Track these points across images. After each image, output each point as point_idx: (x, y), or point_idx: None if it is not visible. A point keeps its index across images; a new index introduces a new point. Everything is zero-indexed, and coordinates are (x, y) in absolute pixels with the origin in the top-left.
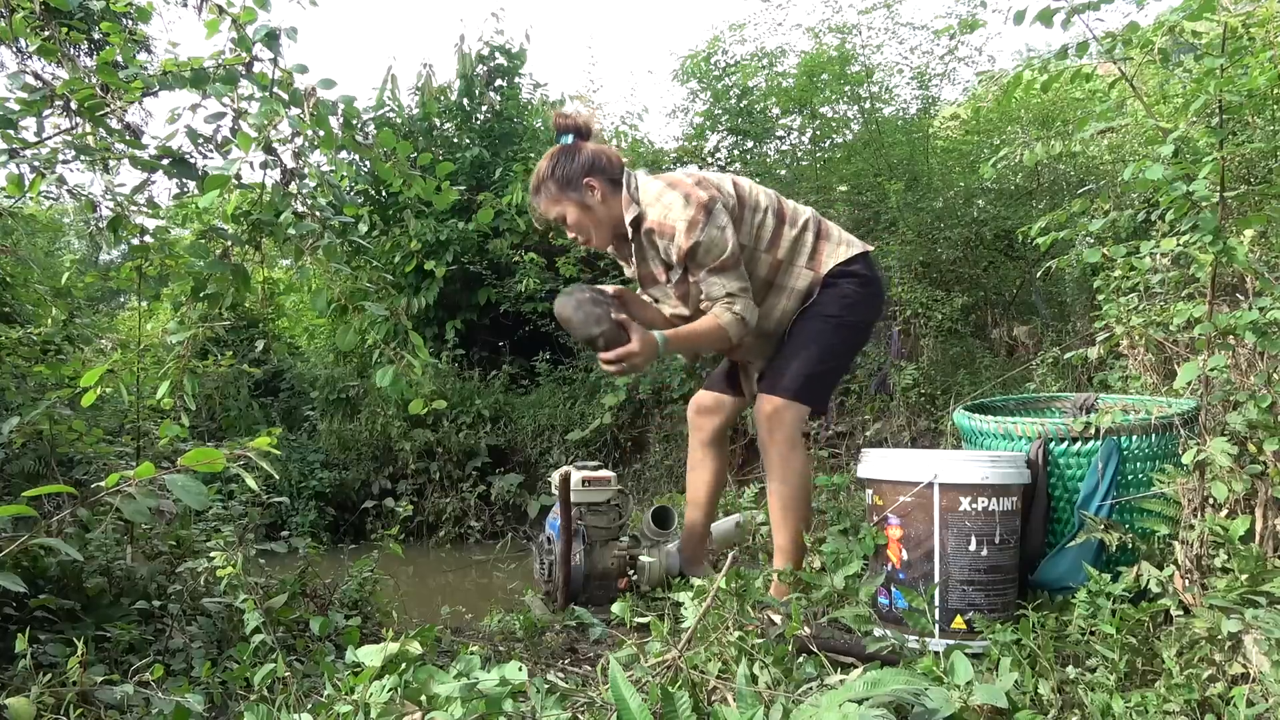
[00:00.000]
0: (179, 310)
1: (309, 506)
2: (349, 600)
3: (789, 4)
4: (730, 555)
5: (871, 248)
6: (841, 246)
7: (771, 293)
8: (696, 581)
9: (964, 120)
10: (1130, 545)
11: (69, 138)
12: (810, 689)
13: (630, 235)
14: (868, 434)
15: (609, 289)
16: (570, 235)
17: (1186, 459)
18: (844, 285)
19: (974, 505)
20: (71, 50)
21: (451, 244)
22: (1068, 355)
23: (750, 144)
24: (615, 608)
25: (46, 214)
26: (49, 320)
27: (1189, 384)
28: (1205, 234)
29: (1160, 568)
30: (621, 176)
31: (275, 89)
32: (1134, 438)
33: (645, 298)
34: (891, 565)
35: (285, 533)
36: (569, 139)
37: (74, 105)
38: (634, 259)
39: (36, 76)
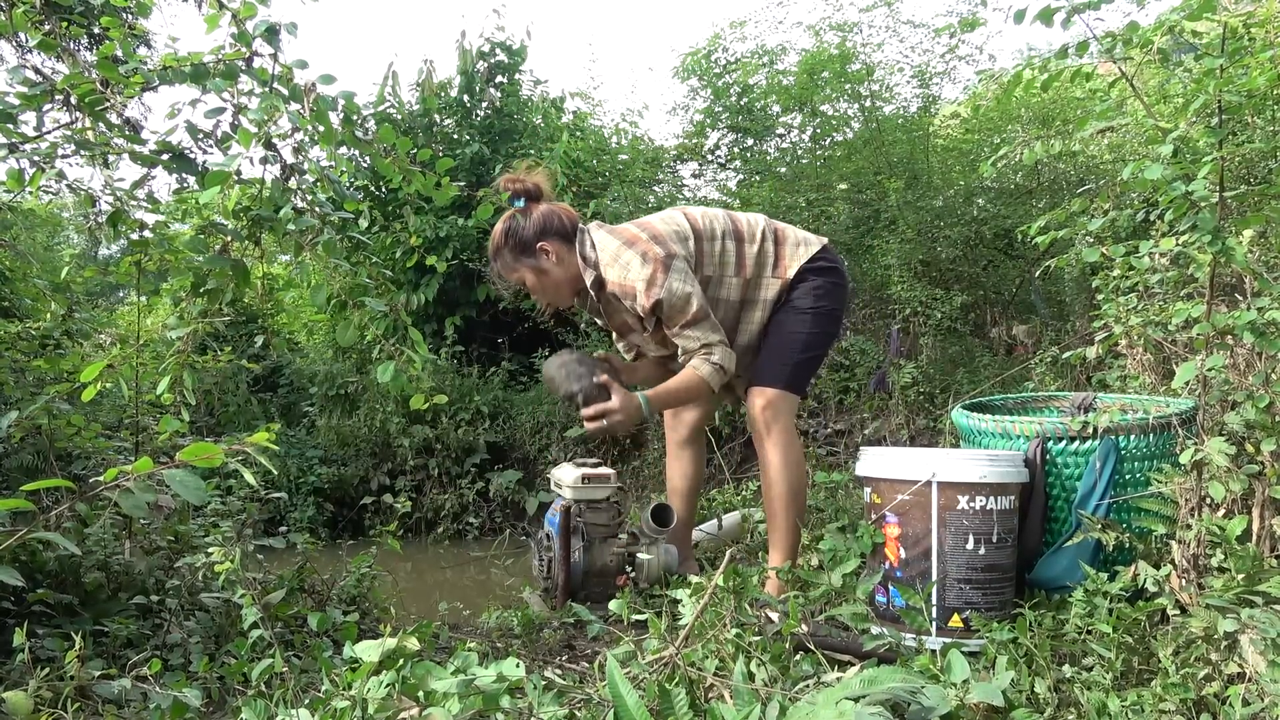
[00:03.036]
0: (178, 305)
1: (307, 502)
2: (347, 596)
3: (790, 2)
4: (728, 553)
5: (826, 239)
6: (801, 247)
7: (746, 308)
8: (694, 579)
9: (964, 119)
10: (1127, 544)
11: (69, 132)
12: (807, 686)
13: (596, 295)
14: (866, 432)
15: (598, 355)
16: (534, 298)
17: (1184, 459)
18: (812, 279)
19: (972, 504)
20: (71, 45)
21: (451, 240)
22: (1066, 354)
23: (750, 142)
24: (613, 605)
25: (46, 209)
26: (48, 315)
27: (1187, 384)
28: (1204, 234)
29: (1157, 567)
30: (574, 235)
31: (275, 84)
32: (1132, 437)
33: (623, 346)
34: (889, 563)
35: (283, 528)
36: (520, 202)
37: (74, 100)
38: (604, 313)
39: (36, 71)
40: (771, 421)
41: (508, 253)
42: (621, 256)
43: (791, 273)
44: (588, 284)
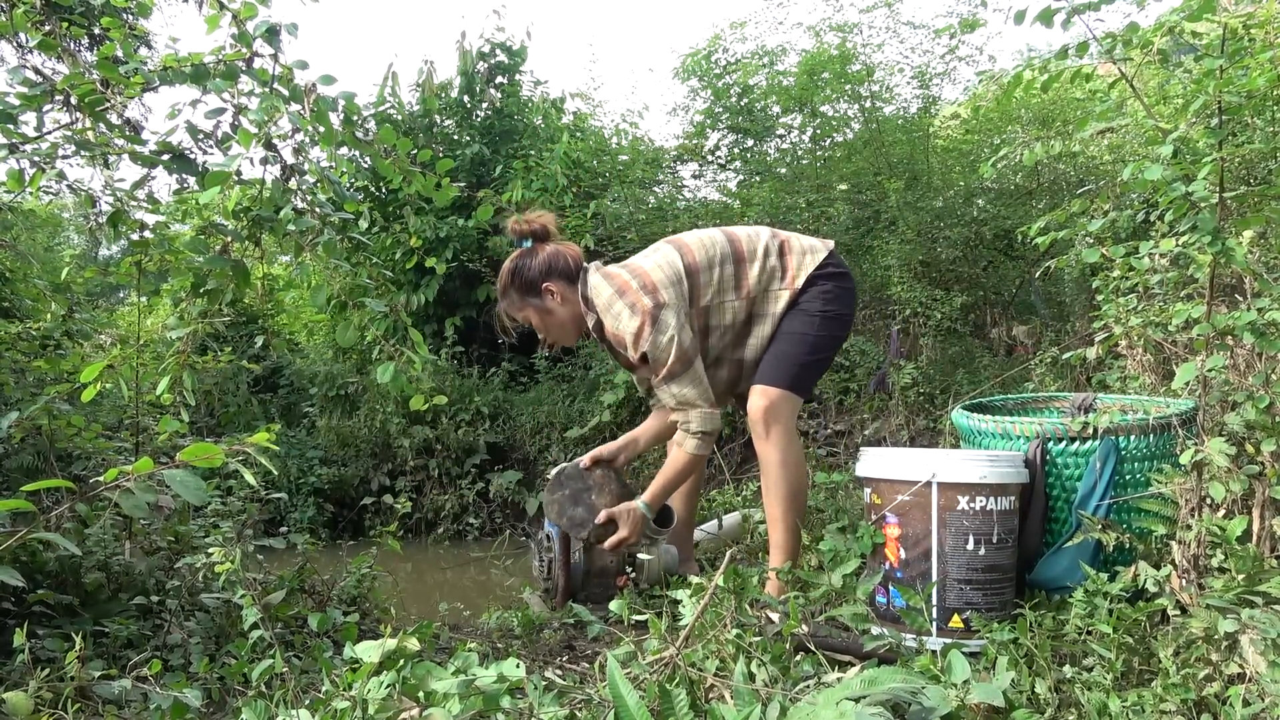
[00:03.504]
0: (178, 306)
1: (307, 503)
2: (347, 596)
3: (790, 2)
4: (728, 553)
5: (833, 243)
6: (808, 255)
7: (753, 323)
8: (695, 579)
9: (964, 120)
10: (1128, 545)
11: (69, 133)
12: (807, 687)
13: (596, 337)
14: (866, 432)
15: (584, 461)
16: (540, 335)
17: (1184, 459)
18: (821, 284)
19: (972, 504)
20: (72, 45)
21: (451, 241)
22: (1066, 355)
23: (750, 142)
24: (613, 605)
25: (46, 209)
26: (48, 315)
27: (1187, 384)
28: (1204, 234)
29: (1157, 567)
30: (578, 275)
31: (275, 85)
32: (1132, 438)
33: (636, 380)
34: (889, 564)
35: (284, 529)
36: (527, 243)
37: (74, 100)
38: (609, 351)
39: (37, 71)
40: (772, 422)
41: (514, 292)
42: (613, 306)
43: (801, 282)
44: (590, 325)
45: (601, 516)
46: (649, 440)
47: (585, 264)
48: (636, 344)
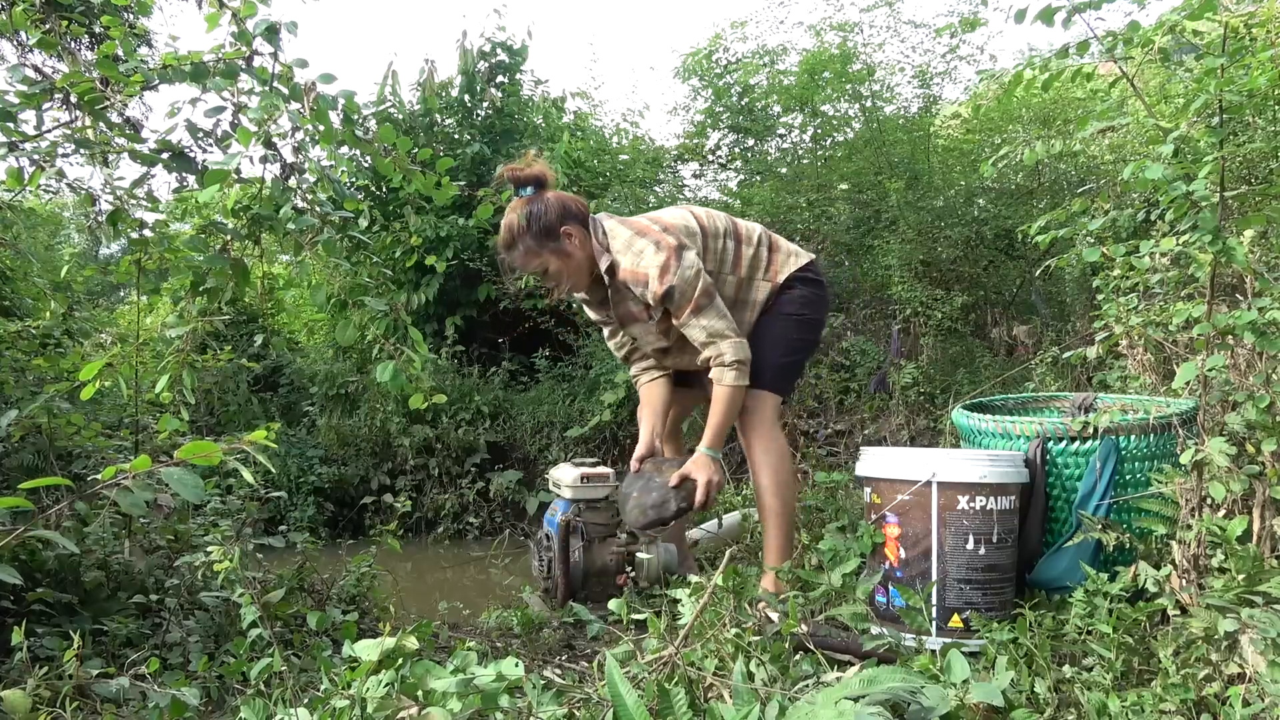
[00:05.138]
0: (178, 305)
1: (307, 502)
2: (347, 595)
3: (791, 2)
4: (727, 553)
5: (815, 255)
6: (792, 257)
7: (737, 308)
8: (694, 578)
9: (965, 119)
10: (1128, 545)
11: (69, 131)
12: (807, 686)
13: (607, 281)
14: (866, 432)
15: (633, 466)
16: (549, 284)
17: (1184, 459)
18: (799, 289)
19: (972, 504)
20: (72, 44)
21: (452, 240)
22: (1067, 355)
23: (751, 142)
24: (613, 605)
25: (46, 208)
26: (48, 314)
27: (1187, 384)
28: (1205, 234)
29: (1157, 567)
30: (588, 221)
31: (275, 83)
32: (1132, 438)
33: (615, 342)
34: (889, 563)
35: (283, 528)
36: (528, 190)
37: (74, 99)
38: (611, 301)
39: (36, 70)
40: (759, 420)
41: (530, 238)
42: (635, 244)
43: (781, 278)
44: (602, 269)
45: (674, 479)
46: (664, 413)
47: (592, 215)
48: (663, 277)
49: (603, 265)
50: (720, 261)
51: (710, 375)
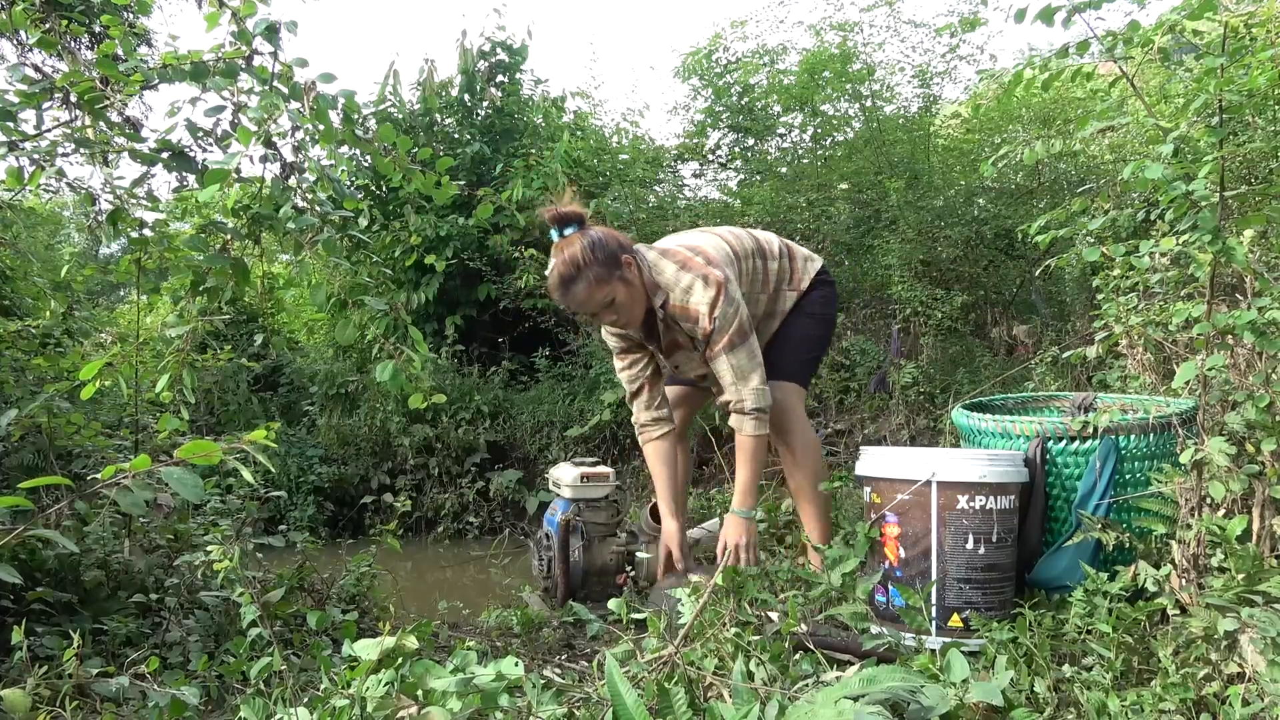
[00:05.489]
0: (178, 304)
1: (307, 501)
2: (346, 595)
3: (791, 1)
4: (728, 552)
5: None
6: (809, 262)
7: (766, 320)
8: (694, 578)
9: (965, 119)
10: (1127, 544)
11: (68, 130)
12: (806, 686)
13: (660, 315)
14: (866, 432)
15: (668, 559)
16: (608, 319)
17: (1184, 458)
18: (820, 290)
19: (972, 504)
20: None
21: (451, 239)
22: (1067, 354)
23: (751, 141)
24: (612, 604)
25: (46, 207)
26: (48, 313)
27: (1187, 384)
28: (1204, 234)
29: (1157, 567)
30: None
31: (275, 83)
32: (1132, 437)
33: (630, 372)
34: (889, 563)
35: (283, 527)
36: (571, 229)
37: (74, 98)
38: (660, 333)
39: (36, 69)
40: (791, 411)
41: (598, 266)
42: (682, 280)
43: (805, 284)
44: (657, 305)
45: (720, 552)
46: (677, 478)
47: (636, 248)
48: (710, 314)
49: (657, 302)
50: (752, 281)
51: (730, 421)
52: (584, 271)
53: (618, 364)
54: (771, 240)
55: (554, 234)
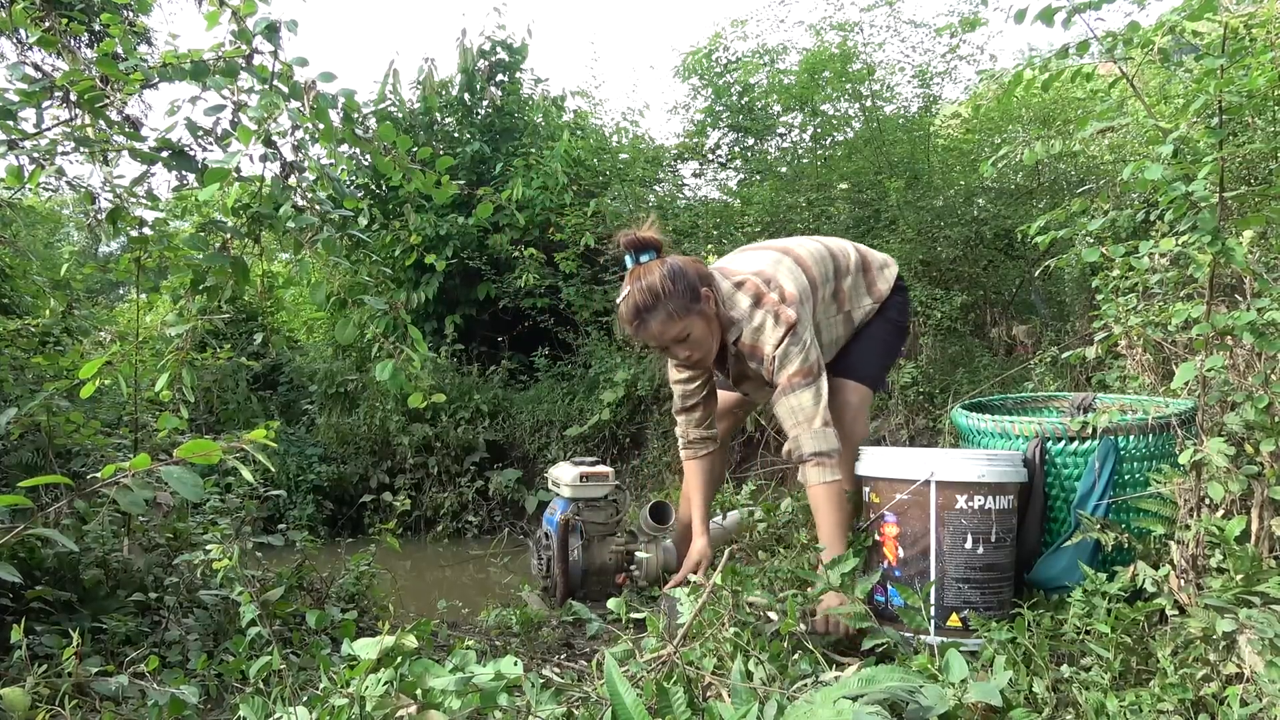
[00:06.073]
0: (178, 303)
1: (307, 500)
2: (346, 594)
3: (791, 1)
4: (726, 552)
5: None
6: (886, 269)
7: (845, 334)
8: (693, 578)
9: (965, 119)
10: (1126, 545)
11: (68, 129)
12: (805, 685)
13: (732, 349)
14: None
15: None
16: (680, 354)
17: (1183, 459)
18: (897, 297)
19: (971, 503)
20: (71, 42)
21: (451, 238)
22: (1066, 355)
23: (751, 141)
24: (611, 603)
25: (45, 205)
26: (47, 311)
27: (1186, 384)
28: (1204, 234)
29: (1156, 567)
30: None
31: (275, 82)
32: (1131, 437)
33: (685, 392)
34: (888, 562)
35: (282, 526)
36: (650, 256)
37: (73, 97)
38: (730, 364)
39: (36, 68)
40: (862, 412)
41: (677, 300)
42: (754, 318)
43: (885, 293)
44: (730, 340)
45: (819, 620)
46: (711, 497)
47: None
48: (776, 352)
49: (730, 337)
50: (826, 309)
51: (805, 478)
52: (661, 303)
53: (673, 375)
54: (848, 254)
55: (629, 259)
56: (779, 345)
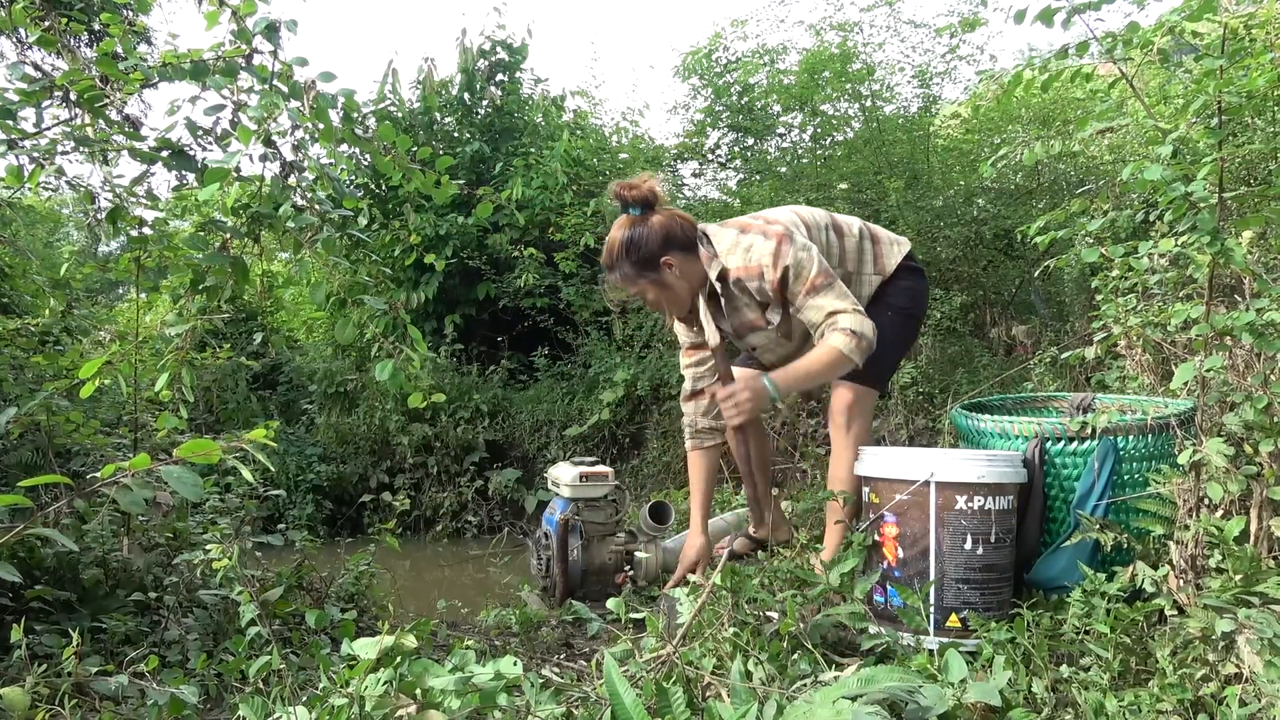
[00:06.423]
0: (178, 302)
1: (306, 500)
2: (345, 594)
3: (791, 1)
4: (725, 551)
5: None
6: (895, 245)
7: None
8: (692, 577)
9: (964, 119)
10: (1125, 545)
11: (68, 129)
12: (804, 685)
13: (720, 290)
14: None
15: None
16: (650, 310)
17: (1182, 459)
18: (904, 280)
19: (970, 504)
20: (71, 41)
21: (451, 238)
22: (1065, 355)
23: (751, 141)
24: (611, 603)
25: (45, 205)
26: (47, 311)
27: (1186, 384)
28: (1203, 235)
29: (1155, 567)
30: (696, 238)
31: (275, 82)
32: (1130, 438)
33: (689, 364)
34: (887, 563)
35: (282, 526)
36: (637, 211)
37: (73, 96)
38: (725, 313)
39: (36, 67)
40: (856, 416)
41: (628, 265)
42: (742, 241)
43: (891, 269)
44: (712, 277)
45: (721, 392)
46: (711, 492)
47: (701, 227)
48: (777, 263)
49: (713, 273)
50: (826, 255)
51: (816, 338)
52: (617, 265)
53: (684, 360)
54: (851, 221)
55: (620, 209)
56: (779, 255)
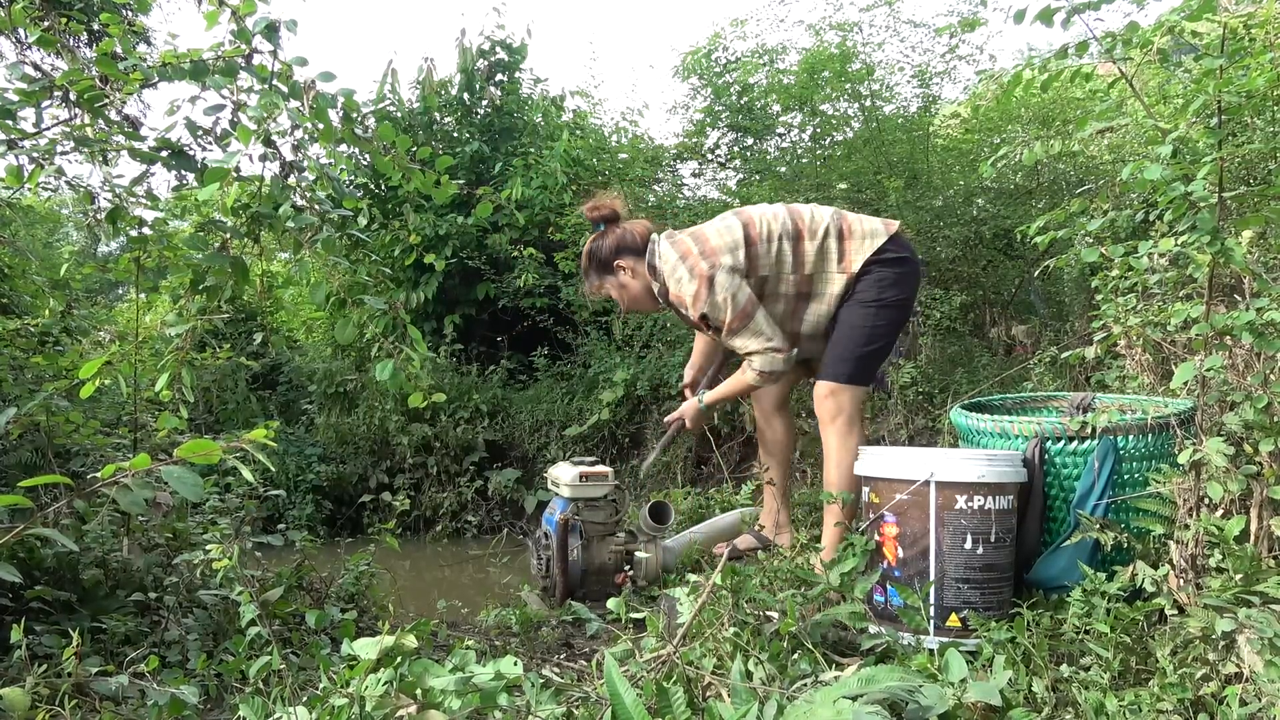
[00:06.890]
0: (177, 302)
1: (306, 500)
2: (345, 594)
3: (791, 1)
4: (725, 551)
5: (897, 224)
6: (867, 240)
7: (807, 300)
8: (692, 577)
9: (964, 119)
10: (1125, 544)
11: (68, 129)
12: (805, 685)
13: (662, 302)
14: (865, 432)
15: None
16: (620, 307)
17: (1182, 459)
18: (877, 271)
19: (970, 504)
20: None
21: (451, 238)
22: (1065, 355)
23: (750, 141)
24: (611, 603)
25: (45, 205)
26: (47, 311)
27: (1186, 384)
28: (1203, 234)
29: (1155, 567)
30: (645, 249)
31: (274, 81)
32: (1130, 437)
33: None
34: (887, 563)
35: (282, 526)
36: (600, 227)
37: (73, 96)
38: (674, 312)
39: (36, 67)
40: (835, 413)
41: (592, 272)
42: (676, 271)
43: (856, 267)
44: (656, 291)
45: (673, 416)
46: (707, 358)
47: (655, 234)
48: (695, 305)
49: (656, 288)
50: (777, 264)
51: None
52: (586, 274)
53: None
54: (820, 220)
55: (590, 226)
56: (697, 299)
